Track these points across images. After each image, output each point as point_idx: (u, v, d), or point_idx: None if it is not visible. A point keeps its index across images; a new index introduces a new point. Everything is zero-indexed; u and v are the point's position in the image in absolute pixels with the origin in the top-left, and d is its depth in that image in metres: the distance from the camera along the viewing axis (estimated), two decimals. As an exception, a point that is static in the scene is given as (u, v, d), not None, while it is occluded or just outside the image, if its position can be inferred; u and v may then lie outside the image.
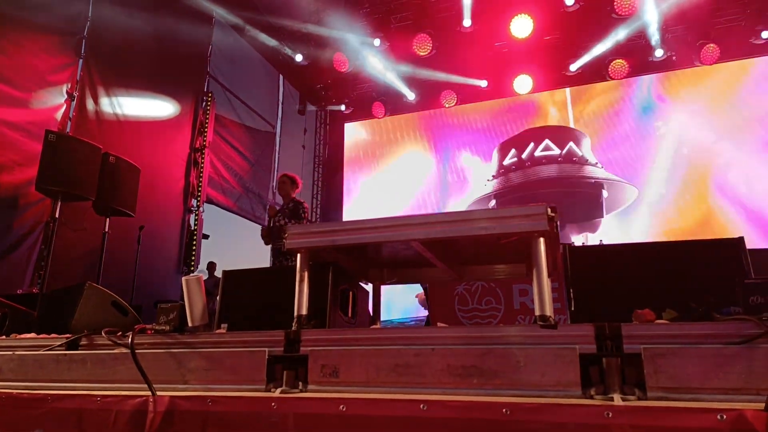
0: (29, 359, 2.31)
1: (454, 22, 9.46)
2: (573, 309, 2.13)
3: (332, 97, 12.18)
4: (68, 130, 5.95)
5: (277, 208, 5.74)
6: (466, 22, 9.24)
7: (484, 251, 2.41)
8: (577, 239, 9.61)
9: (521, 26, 9.24)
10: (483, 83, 10.77)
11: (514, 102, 10.99)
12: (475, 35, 9.66)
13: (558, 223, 1.92)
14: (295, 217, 5.47)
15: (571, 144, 10.42)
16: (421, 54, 9.78)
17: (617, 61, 9.73)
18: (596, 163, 10.16)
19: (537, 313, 1.75)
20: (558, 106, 10.78)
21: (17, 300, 3.75)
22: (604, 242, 8.70)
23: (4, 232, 5.20)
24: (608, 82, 10.12)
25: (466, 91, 10.92)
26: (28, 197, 5.39)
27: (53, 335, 2.55)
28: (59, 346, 2.32)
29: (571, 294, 2.20)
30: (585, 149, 10.35)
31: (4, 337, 2.83)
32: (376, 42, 9.97)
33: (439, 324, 1.93)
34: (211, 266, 8.43)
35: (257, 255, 10.41)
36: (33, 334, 2.71)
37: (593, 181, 10.04)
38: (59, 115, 5.93)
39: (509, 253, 2.40)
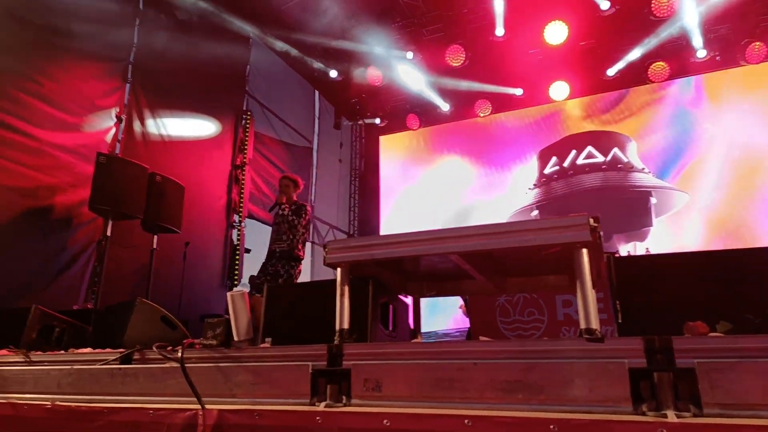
0: (86, 373, 2.41)
1: (486, 31, 9.44)
2: (620, 321, 2.07)
3: (367, 110, 12.31)
4: (117, 151, 6.23)
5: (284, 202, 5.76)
6: (499, 30, 9.21)
7: (524, 263, 2.38)
8: (625, 249, 9.31)
9: (555, 33, 9.13)
10: (518, 91, 10.67)
11: (551, 109, 10.82)
12: (509, 44, 9.60)
13: (601, 233, 1.88)
14: (296, 215, 5.54)
15: (616, 150, 10.15)
16: (454, 65, 9.80)
17: (657, 63, 9.47)
18: (643, 168, 9.85)
19: (582, 326, 1.72)
20: (597, 111, 10.55)
21: (73, 315, 3.93)
22: (651, 251, 8.43)
23: (60, 251, 5.46)
24: (650, 85, 9.85)
25: (500, 99, 10.84)
26: (81, 217, 5.65)
27: (108, 350, 2.66)
28: (113, 360, 2.41)
29: (618, 306, 2.14)
30: (631, 154, 10.05)
31: (62, 351, 2.97)
32: (409, 55, 10.05)
33: (481, 338, 1.92)
34: (252, 280, 8.55)
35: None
36: (89, 349, 2.83)
37: (641, 189, 9.73)
38: (109, 137, 6.22)
39: (551, 265, 2.36)
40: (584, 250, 1.75)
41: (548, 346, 1.68)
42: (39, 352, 2.86)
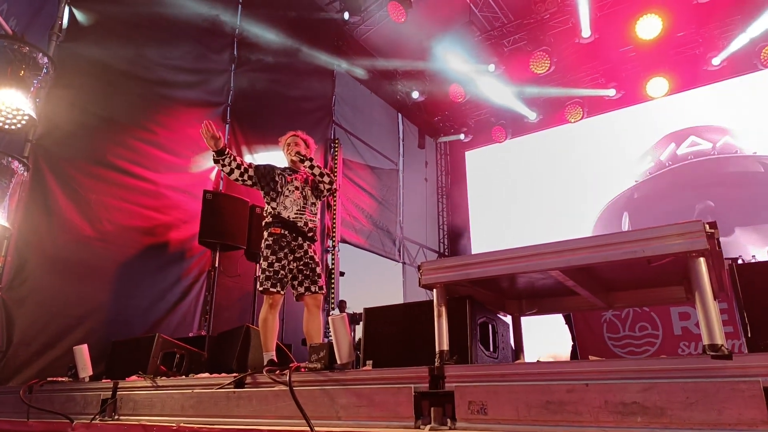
0: (205, 397, 2.59)
1: (571, 34, 9.10)
2: (749, 336, 1.87)
3: (450, 127, 12.30)
4: (221, 188, 6.71)
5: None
6: (585, 32, 8.83)
7: (633, 275, 2.23)
8: (754, 244, 8.14)
9: (648, 26, 8.57)
10: (611, 92, 10.14)
11: (648, 107, 10.13)
12: (597, 44, 9.18)
13: (719, 238, 1.72)
14: (330, 177, 3.89)
15: (727, 137, 9.18)
16: (539, 72, 9.53)
17: (771, 45, 8.56)
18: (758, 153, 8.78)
19: (705, 341, 1.57)
20: (702, 105, 9.71)
21: (189, 342, 4.27)
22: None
23: (176, 283, 5.95)
24: (762, 72, 8.91)
25: (592, 103, 10.35)
26: (192, 250, 6.13)
27: (223, 374, 2.83)
28: (228, 384, 2.57)
29: (746, 318, 1.94)
30: (743, 143, 9.08)
31: (183, 376, 3.22)
32: (491, 67, 9.93)
33: (591, 357, 1.81)
34: (342, 304, 8.57)
35: (387, 289, 10.70)
36: (206, 374, 3.03)
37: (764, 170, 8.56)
38: (213, 175, 6.73)
39: (664, 276, 2.19)
40: (701, 259, 1.61)
41: (668, 365, 1.55)
42: (164, 378, 3.11)
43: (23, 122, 4.20)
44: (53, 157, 4.97)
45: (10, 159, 4.18)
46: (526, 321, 2.83)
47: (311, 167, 3.80)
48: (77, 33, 5.28)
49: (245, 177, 3.78)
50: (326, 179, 3.82)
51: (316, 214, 3.87)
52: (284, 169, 3.90)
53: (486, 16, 9.62)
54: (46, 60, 4.33)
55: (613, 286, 2.45)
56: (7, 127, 4.15)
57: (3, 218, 4.09)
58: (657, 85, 9.57)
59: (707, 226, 1.60)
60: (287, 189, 3.78)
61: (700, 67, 9.27)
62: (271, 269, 3.46)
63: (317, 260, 3.75)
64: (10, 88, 4.05)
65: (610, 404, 1.53)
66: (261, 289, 3.41)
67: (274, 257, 3.51)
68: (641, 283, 2.40)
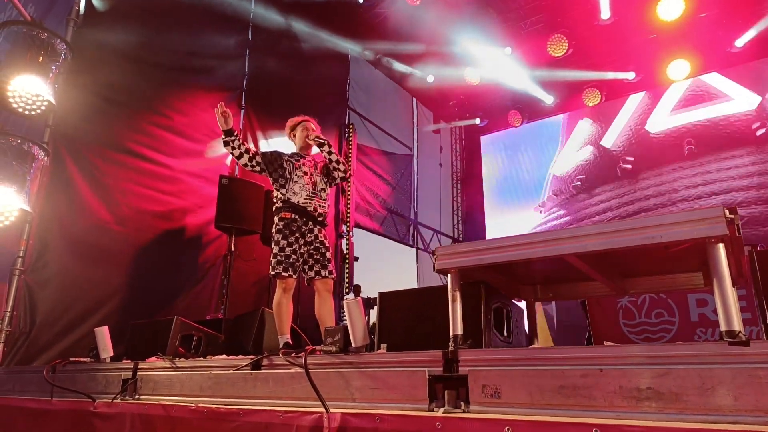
0: (223, 378, 2.64)
1: (590, 16, 8.92)
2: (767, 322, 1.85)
3: (466, 111, 12.20)
4: (236, 173, 6.75)
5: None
6: (605, 14, 8.65)
7: (649, 261, 2.20)
8: None
9: (670, 7, 8.36)
10: (630, 75, 9.95)
11: (669, 89, 9.92)
12: (616, 26, 8.99)
13: (739, 224, 1.69)
14: (344, 163, 3.85)
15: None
16: (557, 55, 9.37)
17: (798, 25, 8.31)
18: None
19: (723, 328, 1.56)
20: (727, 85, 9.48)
21: (206, 324, 4.34)
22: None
23: (193, 267, 6.04)
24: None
25: (610, 86, 10.18)
26: (209, 235, 6.21)
27: (240, 356, 2.88)
28: (245, 366, 2.62)
29: (764, 304, 1.91)
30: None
31: (201, 358, 3.28)
32: (507, 50, 9.80)
33: (605, 342, 1.81)
34: (357, 289, 8.61)
35: (401, 274, 10.74)
36: (224, 356, 3.09)
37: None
38: (228, 160, 6.77)
39: (681, 262, 2.17)
40: (720, 246, 1.59)
41: (684, 351, 1.55)
42: (182, 359, 3.18)
43: (43, 108, 4.26)
44: (72, 143, 5.04)
45: (30, 144, 4.24)
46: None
47: (329, 153, 3.76)
48: (94, 19, 5.31)
49: (253, 162, 3.77)
50: (341, 167, 3.81)
51: (326, 199, 3.82)
52: (291, 155, 3.86)
53: (502, -4, 9.46)
54: (64, 46, 4.38)
55: (630, 272, 2.43)
56: (27, 112, 4.21)
57: (25, 203, 4.18)
58: (678, 67, 9.37)
59: (727, 212, 1.58)
60: (296, 174, 3.72)
61: (723, 49, 9.04)
62: (282, 254, 3.47)
63: (328, 245, 3.72)
64: (29, 74, 4.11)
65: (625, 389, 1.53)
66: (273, 273, 3.44)
67: (285, 242, 3.51)
68: (658, 269, 2.38)
